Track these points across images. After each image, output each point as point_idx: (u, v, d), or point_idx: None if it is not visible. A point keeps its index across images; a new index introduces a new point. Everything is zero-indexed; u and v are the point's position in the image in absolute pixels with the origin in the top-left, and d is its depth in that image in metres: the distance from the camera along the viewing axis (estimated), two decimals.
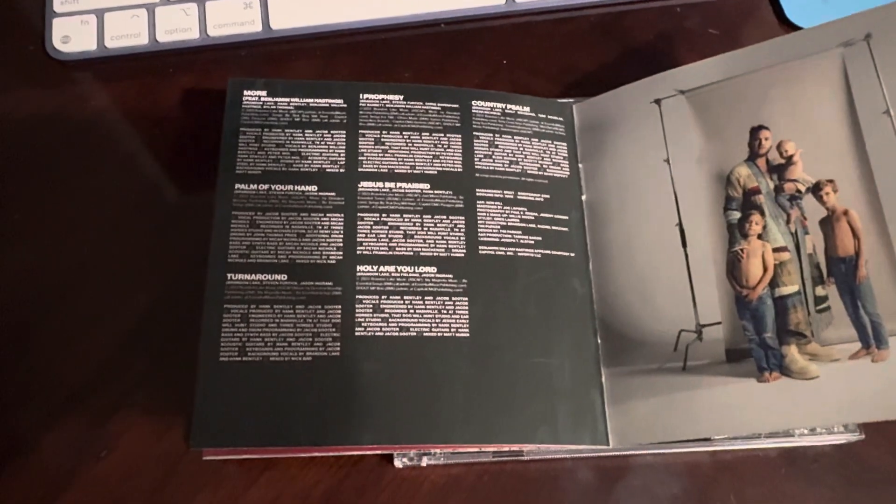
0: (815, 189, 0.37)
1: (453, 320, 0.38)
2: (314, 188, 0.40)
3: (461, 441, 0.37)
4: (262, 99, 0.41)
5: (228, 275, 0.38)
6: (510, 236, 0.40)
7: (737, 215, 0.39)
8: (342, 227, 0.39)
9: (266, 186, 0.39)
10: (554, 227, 0.41)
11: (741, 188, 0.39)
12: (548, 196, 0.42)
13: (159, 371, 0.40)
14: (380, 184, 0.40)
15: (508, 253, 0.40)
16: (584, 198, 0.42)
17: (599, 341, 0.39)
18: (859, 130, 0.37)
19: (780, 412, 0.35)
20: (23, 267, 0.42)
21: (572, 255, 0.41)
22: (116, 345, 0.40)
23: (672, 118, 0.42)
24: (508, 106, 0.43)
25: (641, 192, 0.41)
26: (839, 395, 0.34)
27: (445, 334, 0.38)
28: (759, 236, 0.38)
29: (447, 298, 0.38)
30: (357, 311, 0.38)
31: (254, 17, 0.47)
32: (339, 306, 0.38)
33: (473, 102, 0.43)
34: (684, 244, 0.40)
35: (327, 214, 0.39)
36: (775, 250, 0.38)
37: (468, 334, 0.38)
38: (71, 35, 0.46)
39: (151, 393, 0.39)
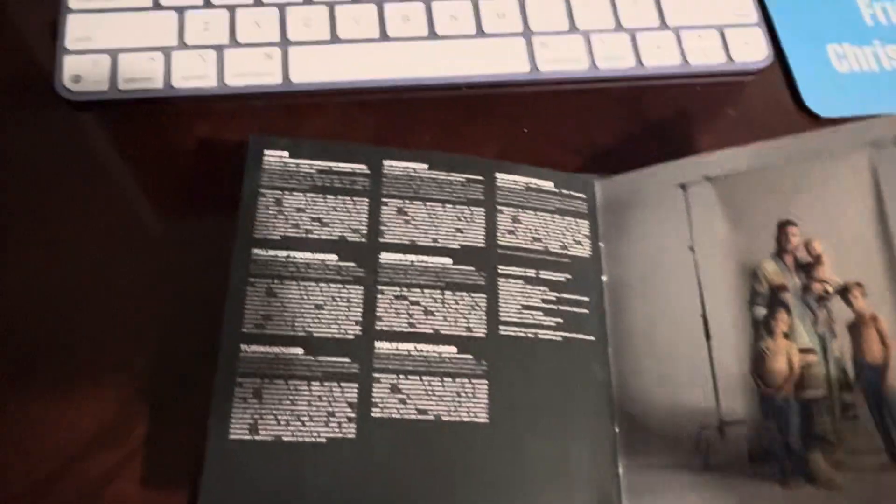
0: (843, 291, 0.37)
1: (472, 404, 0.37)
2: (334, 257, 0.39)
3: None
4: (284, 160, 0.40)
5: (242, 346, 0.36)
6: (531, 317, 0.39)
7: (763, 311, 0.38)
8: (361, 301, 0.38)
9: (285, 253, 0.38)
10: (575, 309, 0.40)
11: (768, 283, 0.39)
12: (569, 276, 0.41)
13: (161, 438, 0.38)
14: (401, 256, 0.39)
15: (529, 335, 0.39)
16: (604, 279, 0.42)
17: (617, 430, 0.39)
18: (889, 233, 0.36)
19: None
20: (19, 317, 0.40)
21: (592, 338, 0.40)
22: (115, 406, 0.38)
23: (697, 205, 0.42)
24: (532, 180, 0.43)
25: (664, 278, 0.41)
26: None
27: (464, 419, 0.37)
28: (786, 335, 0.38)
29: (467, 381, 0.37)
30: (374, 390, 0.36)
31: (274, 68, 0.46)
32: (357, 384, 0.36)
33: (497, 175, 0.42)
34: (708, 336, 0.39)
35: (347, 286, 0.38)
36: (801, 351, 0.37)
37: (487, 420, 0.37)
38: (82, 74, 0.44)
39: (151, 462, 0.37)
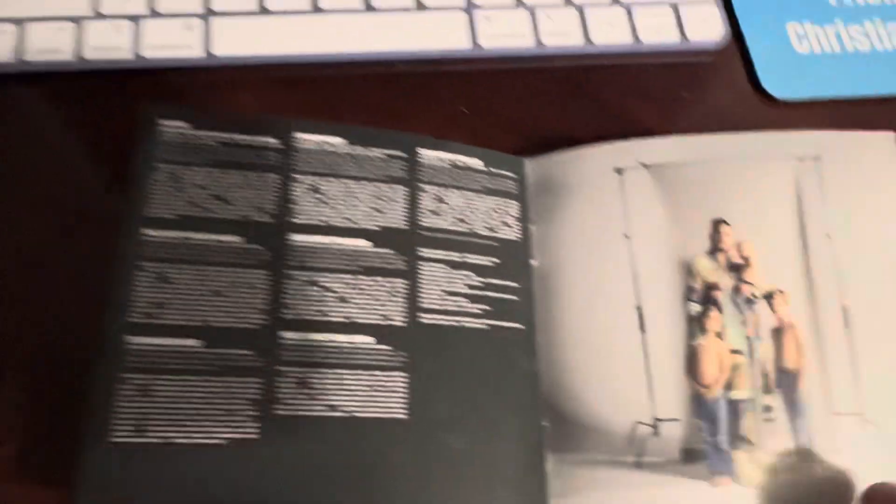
0: (769, 297, 0.37)
1: (390, 399, 0.34)
2: (238, 239, 0.35)
3: None
4: (183, 131, 0.36)
5: (128, 337, 0.32)
6: (455, 304, 0.37)
7: (697, 308, 0.37)
8: (267, 287, 0.34)
9: (181, 234, 0.34)
10: (502, 295, 0.38)
11: (702, 280, 0.37)
12: (497, 260, 0.38)
13: (44, 437, 0.33)
14: (314, 238, 0.36)
15: (452, 323, 0.36)
16: (533, 264, 0.39)
17: (545, 424, 0.36)
18: (807, 246, 0.37)
19: None
20: None
21: (521, 327, 0.37)
22: None
23: (634, 191, 0.39)
24: (459, 158, 0.40)
25: (597, 265, 0.38)
26: None
27: (381, 415, 0.33)
28: (717, 335, 0.36)
29: (384, 373, 0.34)
30: (279, 385, 0.33)
31: (195, 40, 0.42)
32: (260, 379, 0.33)
33: (420, 151, 0.39)
34: (643, 329, 0.37)
35: (250, 270, 0.34)
36: (731, 352, 0.36)
37: (407, 415, 0.34)
38: None
39: (31, 464, 0.33)
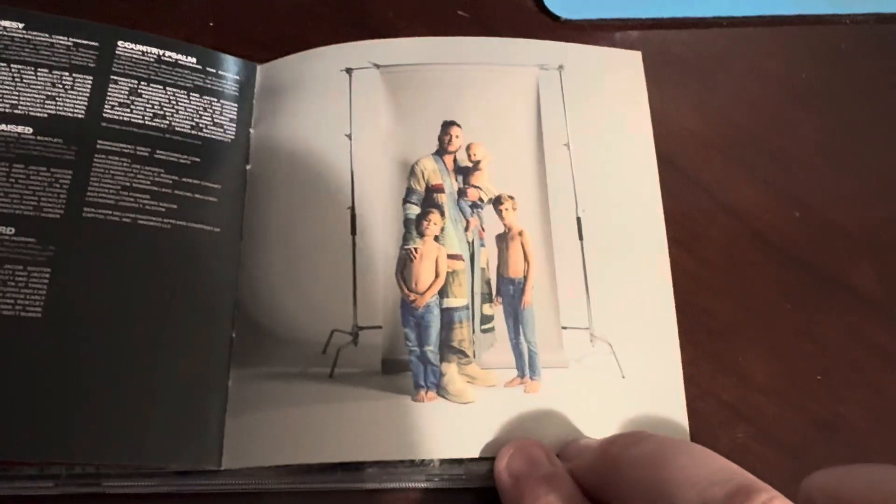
0: (497, 202, 0.33)
1: (22, 296, 0.29)
2: None
3: (9, 456, 0.27)
4: None
5: None
6: (133, 200, 0.32)
7: (416, 210, 0.33)
8: None
9: None
10: (197, 195, 0.33)
11: (425, 182, 0.34)
12: (197, 159, 0.34)
13: None
14: None
15: (125, 219, 0.31)
16: (248, 168, 0.35)
17: (234, 335, 0.31)
18: (543, 153, 0.35)
19: (430, 437, 0.29)
20: None
21: (216, 230, 0.33)
22: None
23: (362, 92, 0.36)
24: (167, 53, 0.36)
25: (314, 166, 0.34)
26: (490, 423, 0.29)
27: (6, 313, 0.28)
28: (436, 238, 0.33)
29: (20, 268, 0.29)
30: None
31: None
32: None
33: (119, 43, 0.35)
34: (354, 231, 0.33)
35: None
36: (450, 257, 0.32)
37: (40, 314, 0.29)
38: None
39: None
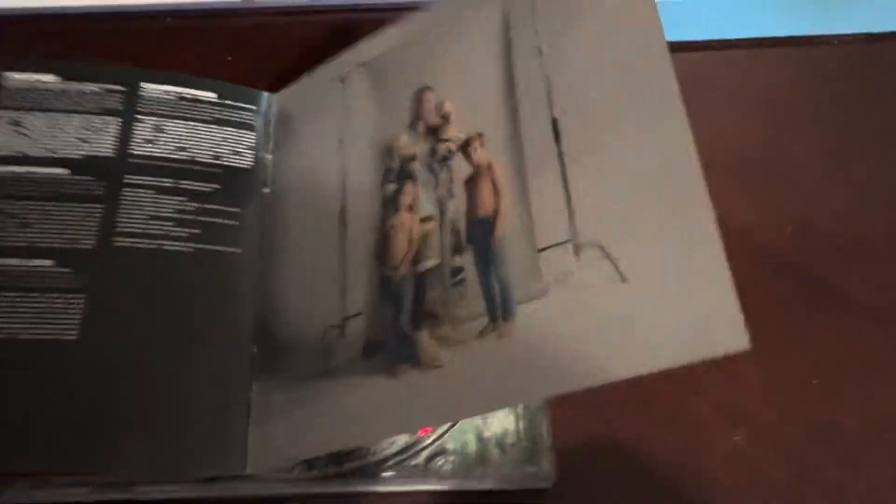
0: (465, 146, 0.32)
1: (61, 321, 0.32)
2: None
3: (51, 468, 0.29)
4: None
5: None
6: (159, 227, 0.34)
7: (392, 187, 0.33)
8: None
9: None
10: (219, 220, 0.35)
11: (399, 157, 0.34)
12: (218, 186, 0.36)
13: None
14: (5, 168, 0.34)
15: (151, 246, 0.34)
16: (265, 191, 0.37)
17: (256, 350, 0.33)
18: (512, 76, 0.32)
19: (406, 412, 0.28)
20: None
21: (238, 251, 0.35)
22: None
23: (352, 94, 0.37)
24: (188, 90, 0.38)
25: (316, 178, 0.36)
26: (460, 385, 0.27)
27: (45, 337, 0.31)
28: (410, 208, 0.32)
29: (58, 295, 0.32)
30: None
31: None
32: None
33: (143, 84, 0.38)
34: (344, 223, 0.34)
35: None
36: (422, 221, 0.32)
37: (75, 336, 0.31)
38: None
39: None
